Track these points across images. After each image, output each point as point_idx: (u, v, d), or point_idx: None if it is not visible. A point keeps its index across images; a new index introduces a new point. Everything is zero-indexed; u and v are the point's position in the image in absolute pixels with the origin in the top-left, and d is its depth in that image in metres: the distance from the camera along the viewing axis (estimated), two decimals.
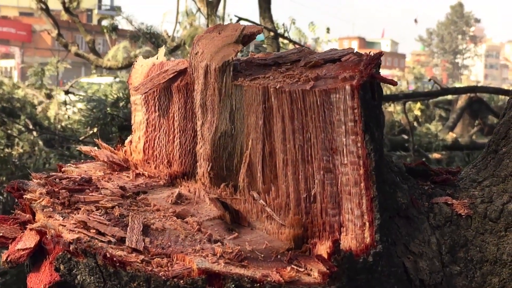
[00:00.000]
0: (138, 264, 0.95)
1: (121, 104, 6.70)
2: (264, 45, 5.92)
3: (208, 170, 1.21)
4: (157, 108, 1.34)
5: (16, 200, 1.16)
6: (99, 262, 0.95)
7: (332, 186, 1.07)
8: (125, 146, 1.43)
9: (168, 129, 1.33)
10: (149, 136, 1.36)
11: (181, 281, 0.92)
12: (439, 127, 8.44)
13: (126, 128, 6.79)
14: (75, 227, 1.02)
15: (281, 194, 1.13)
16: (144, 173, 1.31)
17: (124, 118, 6.63)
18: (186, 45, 10.72)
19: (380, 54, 1.13)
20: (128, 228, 1.03)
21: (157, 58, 1.41)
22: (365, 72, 1.07)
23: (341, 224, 1.06)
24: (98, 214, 1.07)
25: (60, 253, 0.99)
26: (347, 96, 1.05)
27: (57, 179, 1.21)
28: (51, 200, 1.11)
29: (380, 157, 1.06)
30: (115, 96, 6.71)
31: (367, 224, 1.03)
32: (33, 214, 1.10)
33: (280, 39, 6.21)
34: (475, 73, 73.71)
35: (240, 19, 6.39)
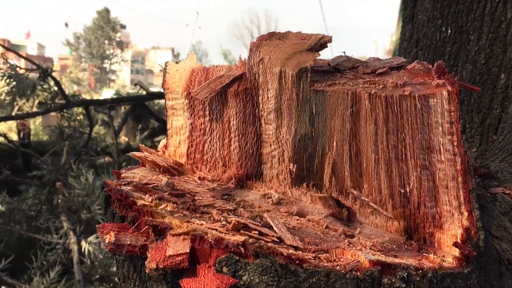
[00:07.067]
0: (312, 260, 0.99)
1: None
2: None
3: (293, 171, 1.26)
4: (207, 112, 1.35)
5: (115, 207, 1.11)
6: (280, 261, 0.97)
7: (428, 181, 1.19)
8: (158, 151, 1.41)
9: (222, 133, 1.34)
10: (196, 141, 1.36)
11: (358, 273, 0.98)
12: (102, 131, 8.53)
13: None
14: (226, 230, 1.02)
15: (373, 191, 1.22)
16: (206, 177, 1.31)
17: None
18: None
19: (443, 63, 1.28)
20: (274, 228, 1.06)
21: (187, 63, 1.42)
22: (453, 80, 1.21)
23: (439, 215, 1.18)
24: (234, 216, 1.08)
25: (223, 256, 0.98)
26: (443, 101, 1.18)
27: (142, 186, 1.17)
28: (175, 206, 1.09)
29: None
30: None
31: (466, 213, 1.17)
32: None
33: None
34: (122, 78, 71.35)
35: None
